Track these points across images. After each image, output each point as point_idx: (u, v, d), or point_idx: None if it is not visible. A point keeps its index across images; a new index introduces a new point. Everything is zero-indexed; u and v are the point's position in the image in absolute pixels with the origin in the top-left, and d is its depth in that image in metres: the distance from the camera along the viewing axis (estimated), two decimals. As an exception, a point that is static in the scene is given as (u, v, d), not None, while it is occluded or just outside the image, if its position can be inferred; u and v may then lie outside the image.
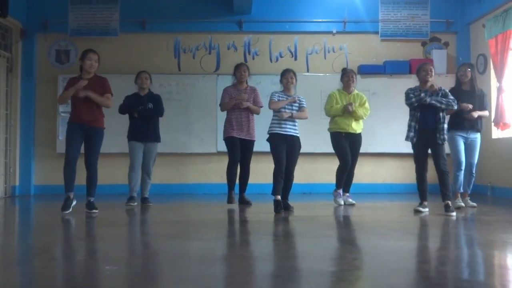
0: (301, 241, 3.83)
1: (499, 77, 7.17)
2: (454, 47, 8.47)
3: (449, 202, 5.10)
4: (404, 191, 7.84)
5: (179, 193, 7.94)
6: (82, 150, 5.31)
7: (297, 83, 5.59)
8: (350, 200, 6.09)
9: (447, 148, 5.31)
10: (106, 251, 3.35)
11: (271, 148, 5.38)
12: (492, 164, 7.38)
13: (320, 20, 8.37)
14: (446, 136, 5.17)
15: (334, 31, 8.37)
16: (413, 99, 5.21)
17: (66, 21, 8.19)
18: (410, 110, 5.33)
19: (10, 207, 6.58)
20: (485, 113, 5.91)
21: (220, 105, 6.24)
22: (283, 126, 5.35)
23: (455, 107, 5.23)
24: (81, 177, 5.33)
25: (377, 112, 7.54)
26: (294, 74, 5.52)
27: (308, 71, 8.35)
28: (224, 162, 6.10)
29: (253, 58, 8.35)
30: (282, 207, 5.23)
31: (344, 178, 5.98)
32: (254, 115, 6.12)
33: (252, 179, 6.22)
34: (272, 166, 5.35)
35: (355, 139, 6.03)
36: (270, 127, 5.43)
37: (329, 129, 6.12)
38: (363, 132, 6.14)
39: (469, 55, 8.15)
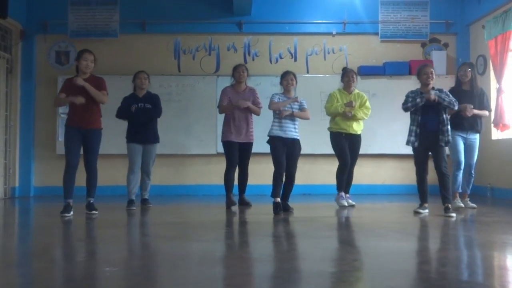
0: (301, 242, 3.83)
1: (499, 78, 7.17)
2: (453, 48, 8.47)
3: (449, 205, 5.09)
4: (403, 192, 7.83)
5: (178, 194, 7.94)
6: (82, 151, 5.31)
7: (297, 84, 5.60)
8: (350, 201, 6.09)
9: (446, 149, 5.30)
10: (106, 252, 3.35)
11: (271, 150, 5.38)
12: (491, 165, 7.38)
13: (320, 21, 8.38)
14: (450, 138, 5.13)
15: (334, 32, 8.37)
16: (409, 104, 5.19)
17: (66, 22, 8.19)
18: (411, 114, 5.30)
19: (9, 209, 6.58)
20: (485, 113, 5.89)
21: (218, 107, 6.20)
22: (284, 127, 5.35)
23: (456, 108, 5.22)
24: (81, 178, 5.32)
25: (377, 113, 7.51)
26: (294, 76, 5.52)
27: (308, 72, 8.36)
28: (224, 163, 6.10)
29: (253, 59, 8.35)
30: (281, 209, 5.23)
31: (344, 179, 5.98)
32: (253, 116, 6.06)
33: (251, 180, 6.21)
34: (271, 167, 5.35)
35: (355, 140, 6.03)
36: (270, 129, 5.42)
37: (329, 129, 6.11)
38: (363, 133, 6.14)
39: (469, 56, 8.14)
